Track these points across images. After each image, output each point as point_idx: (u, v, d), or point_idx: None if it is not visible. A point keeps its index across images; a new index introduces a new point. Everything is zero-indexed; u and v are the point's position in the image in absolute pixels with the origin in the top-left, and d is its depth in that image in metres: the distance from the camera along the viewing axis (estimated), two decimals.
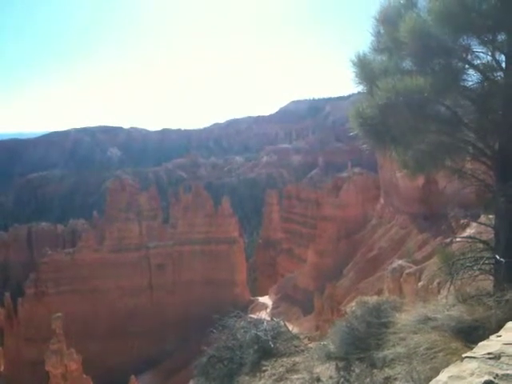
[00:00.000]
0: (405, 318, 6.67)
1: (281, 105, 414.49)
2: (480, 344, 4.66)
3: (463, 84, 7.34)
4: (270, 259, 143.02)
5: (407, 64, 7.49)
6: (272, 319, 9.86)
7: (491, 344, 4.56)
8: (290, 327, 9.77)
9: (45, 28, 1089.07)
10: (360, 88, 7.71)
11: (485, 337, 5.00)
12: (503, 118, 7.17)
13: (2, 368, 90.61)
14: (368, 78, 7.48)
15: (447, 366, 4.53)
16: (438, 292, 31.88)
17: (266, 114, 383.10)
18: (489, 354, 4.32)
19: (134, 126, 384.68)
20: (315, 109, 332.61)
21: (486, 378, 3.95)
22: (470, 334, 5.82)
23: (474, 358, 4.33)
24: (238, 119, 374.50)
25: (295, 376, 7.46)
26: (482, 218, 9.09)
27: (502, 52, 7.16)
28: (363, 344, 6.80)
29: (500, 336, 4.80)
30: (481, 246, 8.04)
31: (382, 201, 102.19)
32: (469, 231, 42.77)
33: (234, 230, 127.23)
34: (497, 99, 7.20)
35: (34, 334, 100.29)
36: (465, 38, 7.06)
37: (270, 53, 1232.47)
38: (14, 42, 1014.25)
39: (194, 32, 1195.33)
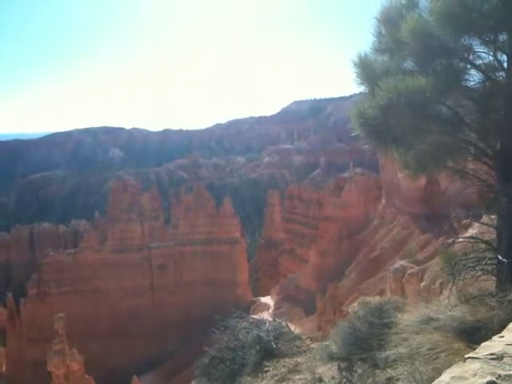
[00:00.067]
0: (407, 319, 6.67)
1: (282, 105, 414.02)
2: (482, 344, 4.66)
3: (465, 84, 7.34)
4: (272, 259, 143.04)
5: (409, 64, 7.49)
6: (274, 320, 9.87)
7: (494, 345, 4.56)
8: (292, 328, 9.78)
9: (45, 28, 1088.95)
10: (361, 88, 7.71)
11: (487, 337, 4.99)
12: (505, 118, 7.17)
13: (5, 368, 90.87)
14: (369, 78, 7.49)
15: (450, 366, 4.52)
16: (440, 292, 31.83)
17: (268, 114, 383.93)
18: (491, 354, 4.32)
19: (136, 126, 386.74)
20: (317, 109, 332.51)
21: (489, 378, 3.94)
22: (473, 334, 5.82)
23: (476, 358, 4.33)
24: (239, 119, 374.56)
25: (297, 376, 7.46)
26: (484, 219, 9.10)
27: (503, 52, 7.16)
28: (365, 344, 6.80)
29: (502, 336, 4.79)
30: (483, 246, 8.03)
31: (383, 201, 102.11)
32: (471, 231, 42.69)
33: (235, 230, 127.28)
34: (498, 99, 7.20)
35: (37, 334, 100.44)
36: (466, 38, 7.06)
37: (271, 53, 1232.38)
38: (15, 42, 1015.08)
39: (194, 32, 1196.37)
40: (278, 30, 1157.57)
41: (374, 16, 7.68)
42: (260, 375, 8.06)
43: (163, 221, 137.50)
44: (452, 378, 4.09)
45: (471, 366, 4.20)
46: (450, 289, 7.62)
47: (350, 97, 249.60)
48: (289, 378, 7.61)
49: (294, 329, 10.14)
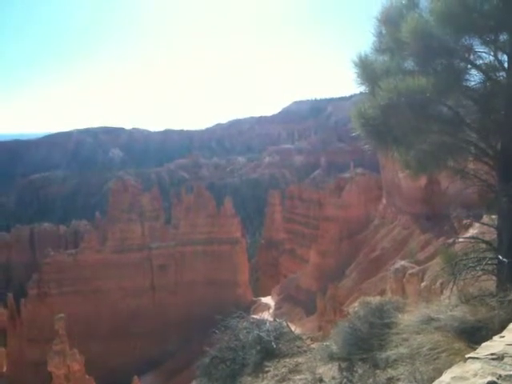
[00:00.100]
0: (407, 319, 6.67)
1: (283, 105, 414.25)
2: (483, 345, 4.66)
3: (465, 84, 7.34)
4: (273, 260, 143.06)
5: (409, 64, 7.49)
6: (274, 320, 9.87)
7: (494, 345, 4.56)
8: (293, 328, 9.77)
9: (45, 28, 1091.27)
10: (362, 88, 7.71)
11: (488, 337, 4.99)
12: (505, 118, 7.17)
13: (5, 369, 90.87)
14: (370, 78, 7.48)
15: (450, 366, 4.52)
16: (441, 292, 31.85)
17: (269, 114, 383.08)
18: (492, 354, 4.32)
19: (136, 126, 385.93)
20: (317, 109, 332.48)
21: (490, 378, 3.94)
22: (473, 334, 5.82)
23: (477, 358, 4.32)
24: (240, 120, 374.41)
25: (298, 377, 7.45)
26: (485, 219, 9.09)
27: (504, 52, 7.16)
28: (366, 344, 6.80)
29: (503, 337, 4.79)
30: (483, 246, 8.03)
31: (384, 201, 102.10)
32: (471, 231, 42.68)
33: (236, 230, 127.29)
34: (499, 99, 7.20)
35: (37, 334, 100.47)
36: (467, 38, 7.06)
37: (271, 53, 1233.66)
38: (15, 42, 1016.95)
39: (195, 32, 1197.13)
40: (278, 30, 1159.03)
41: (375, 16, 7.68)
42: (261, 375, 8.06)
43: (164, 221, 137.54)
44: (453, 378, 4.09)
45: (472, 366, 4.19)
46: (451, 289, 7.62)
47: (351, 97, 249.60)
48: (289, 378, 7.60)
49: (295, 329, 10.13)
